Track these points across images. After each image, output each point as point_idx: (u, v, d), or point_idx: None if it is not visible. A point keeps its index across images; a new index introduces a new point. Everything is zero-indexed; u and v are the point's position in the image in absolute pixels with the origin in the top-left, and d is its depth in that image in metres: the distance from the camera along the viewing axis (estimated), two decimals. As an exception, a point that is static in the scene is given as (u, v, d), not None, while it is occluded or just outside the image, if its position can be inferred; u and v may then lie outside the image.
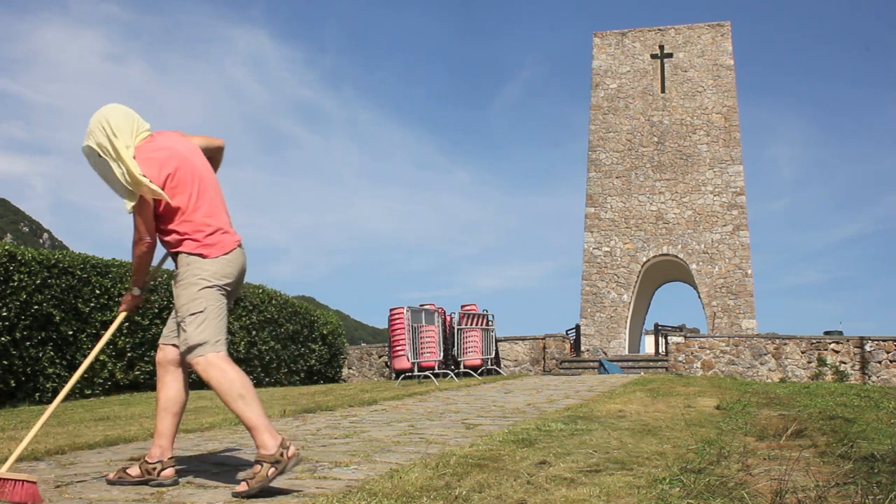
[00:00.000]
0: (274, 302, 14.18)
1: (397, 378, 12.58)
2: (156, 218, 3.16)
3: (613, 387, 9.02)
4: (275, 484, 3.01)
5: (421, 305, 13.15)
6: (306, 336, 15.19)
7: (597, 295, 23.96)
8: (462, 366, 13.29)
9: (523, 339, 19.31)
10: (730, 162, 23.93)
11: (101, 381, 9.80)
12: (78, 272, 9.56)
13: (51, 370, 9.05)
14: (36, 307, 8.84)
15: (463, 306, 14.20)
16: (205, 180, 3.29)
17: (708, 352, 17.05)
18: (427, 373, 11.90)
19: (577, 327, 23.78)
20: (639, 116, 25.02)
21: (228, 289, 3.24)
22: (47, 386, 9.00)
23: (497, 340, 15.16)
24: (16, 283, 8.60)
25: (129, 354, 10.21)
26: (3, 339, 8.38)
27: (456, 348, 13.53)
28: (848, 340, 16.50)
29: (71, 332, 9.36)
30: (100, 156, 3.17)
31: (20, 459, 3.95)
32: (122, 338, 10.07)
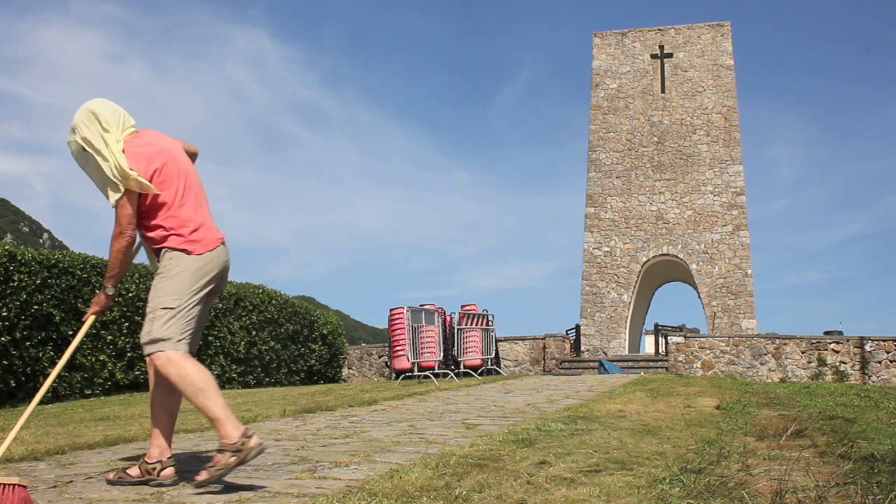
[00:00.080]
0: (274, 302, 14.18)
1: (397, 378, 12.58)
2: (140, 213, 3.17)
3: (613, 387, 9.02)
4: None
5: (421, 305, 13.15)
6: (306, 336, 15.19)
7: (597, 295, 23.97)
8: (462, 366, 13.29)
9: (523, 339, 19.31)
10: (730, 162, 23.94)
11: (101, 381, 9.80)
12: (78, 272, 9.56)
13: (51, 370, 9.05)
14: (36, 307, 8.84)
15: (463, 306, 14.20)
16: (190, 177, 3.32)
17: (708, 352, 17.06)
18: (427, 373, 11.90)
19: (577, 327, 23.79)
20: (639, 116, 25.03)
21: (211, 285, 3.25)
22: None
23: (497, 340, 15.16)
24: (16, 283, 8.60)
25: (129, 354, 10.21)
26: (3, 339, 8.38)
27: (456, 348, 13.53)
28: (848, 340, 16.51)
29: (71, 332, 9.35)
30: (84, 150, 3.19)
31: (20, 460, 3.95)
32: (122, 338, 10.07)
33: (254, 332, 13.31)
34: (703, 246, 23.45)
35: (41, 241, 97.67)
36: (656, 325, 23.27)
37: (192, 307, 3.16)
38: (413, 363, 12.00)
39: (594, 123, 25.37)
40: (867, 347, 16.13)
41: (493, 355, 14.09)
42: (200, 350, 11.98)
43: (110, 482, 3.20)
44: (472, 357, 13.44)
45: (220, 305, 12.58)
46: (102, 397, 9.58)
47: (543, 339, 19.30)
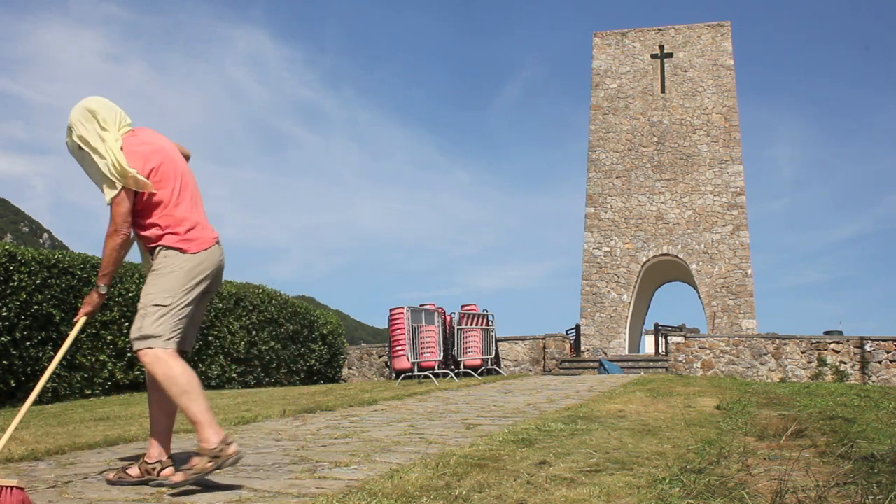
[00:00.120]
0: (274, 302, 14.18)
1: (397, 378, 12.58)
2: (135, 212, 3.17)
3: (613, 387, 9.02)
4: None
5: (421, 305, 13.15)
6: (306, 336, 15.19)
7: (597, 295, 23.96)
8: (462, 366, 13.29)
9: (523, 339, 19.31)
10: (730, 162, 23.94)
11: (101, 381, 9.80)
12: (78, 272, 9.56)
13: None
14: (36, 307, 8.84)
15: (463, 306, 14.20)
16: (186, 177, 3.34)
17: (708, 352, 17.05)
18: (427, 373, 11.90)
19: (577, 327, 23.78)
20: (639, 116, 25.03)
21: (206, 284, 3.26)
22: (47, 386, 9.00)
23: (497, 340, 15.16)
24: (16, 283, 8.60)
25: (129, 354, 10.20)
26: (3, 339, 8.38)
27: (456, 348, 13.53)
28: (848, 340, 16.50)
29: (71, 332, 9.36)
30: (80, 148, 3.19)
31: (20, 460, 3.95)
32: (122, 338, 10.06)
33: (254, 332, 13.31)
34: (703, 246, 23.45)
35: (41, 241, 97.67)
36: (656, 325, 23.27)
37: (185, 306, 3.16)
38: (413, 363, 12.00)
39: (594, 123, 25.36)
40: (867, 347, 16.13)
41: (493, 355, 14.09)
42: (200, 350, 11.98)
43: (110, 482, 3.20)
44: (472, 357, 13.43)
45: (220, 305, 12.58)
46: (102, 397, 9.58)
47: (543, 339, 19.30)
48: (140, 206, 3.18)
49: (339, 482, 3.09)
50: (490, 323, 14.00)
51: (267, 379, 13.70)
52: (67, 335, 9.14)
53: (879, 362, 15.99)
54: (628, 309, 23.72)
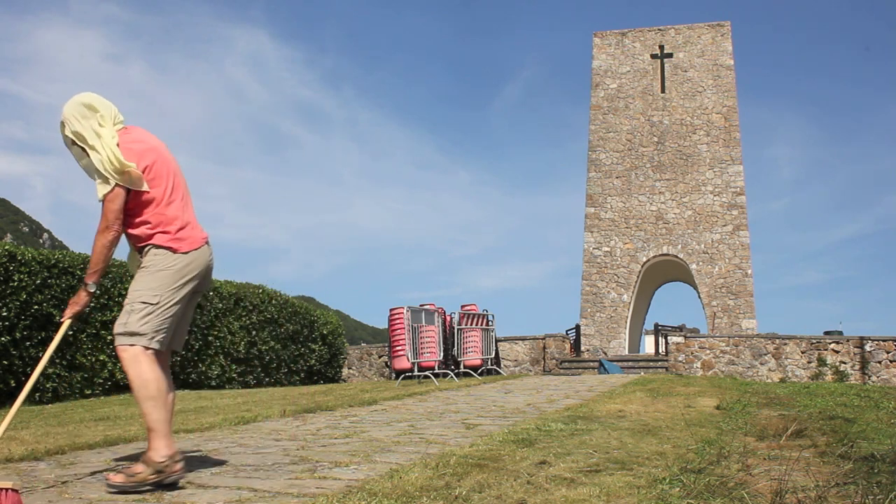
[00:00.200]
0: (274, 302, 14.18)
1: (397, 378, 12.58)
2: (126, 210, 3.17)
3: (613, 387, 9.02)
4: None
5: (421, 305, 13.14)
6: (306, 336, 15.19)
7: (597, 295, 23.96)
8: (462, 366, 13.29)
9: (523, 339, 19.31)
10: (730, 162, 23.93)
11: (101, 381, 9.80)
12: (78, 272, 9.56)
13: (51, 370, 9.05)
14: (36, 307, 8.84)
15: (463, 306, 14.19)
16: (177, 176, 3.35)
17: (708, 352, 17.05)
18: (427, 373, 11.90)
19: (577, 327, 23.78)
20: (639, 116, 25.03)
21: (194, 283, 3.26)
22: (47, 386, 9.01)
23: (497, 340, 15.16)
24: (16, 283, 8.60)
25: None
26: (3, 339, 8.38)
27: (456, 348, 13.53)
28: (848, 340, 16.50)
29: (71, 333, 9.35)
30: (74, 143, 3.19)
31: (20, 460, 3.95)
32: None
33: (254, 332, 13.31)
34: (703, 246, 23.45)
35: (41, 241, 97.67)
36: (656, 325, 23.26)
37: (172, 305, 3.16)
38: (413, 363, 12.00)
39: (594, 123, 25.36)
40: (867, 347, 16.12)
41: (493, 355, 14.09)
42: (200, 350, 11.97)
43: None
44: (472, 357, 13.43)
45: (220, 305, 12.58)
46: (102, 397, 9.58)
47: (543, 339, 19.30)
48: (132, 204, 3.17)
49: (339, 482, 3.09)
50: (490, 323, 14.00)
51: (267, 379, 13.70)
52: (67, 335, 9.16)
53: (879, 362, 15.99)
54: (628, 309, 23.72)
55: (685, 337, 17.78)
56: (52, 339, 9.05)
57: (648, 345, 28.16)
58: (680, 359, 17.07)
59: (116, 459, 3.93)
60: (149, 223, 3.20)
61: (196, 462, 3.75)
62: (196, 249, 3.26)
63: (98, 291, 9.83)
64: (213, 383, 12.10)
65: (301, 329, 14.98)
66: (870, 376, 15.85)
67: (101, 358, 9.78)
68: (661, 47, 25.39)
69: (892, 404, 6.64)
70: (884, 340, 16.13)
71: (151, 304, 3.10)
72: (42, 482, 3.26)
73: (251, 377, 13.21)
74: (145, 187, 3.16)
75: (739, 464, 3.31)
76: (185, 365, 11.68)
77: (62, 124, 3.21)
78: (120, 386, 10.09)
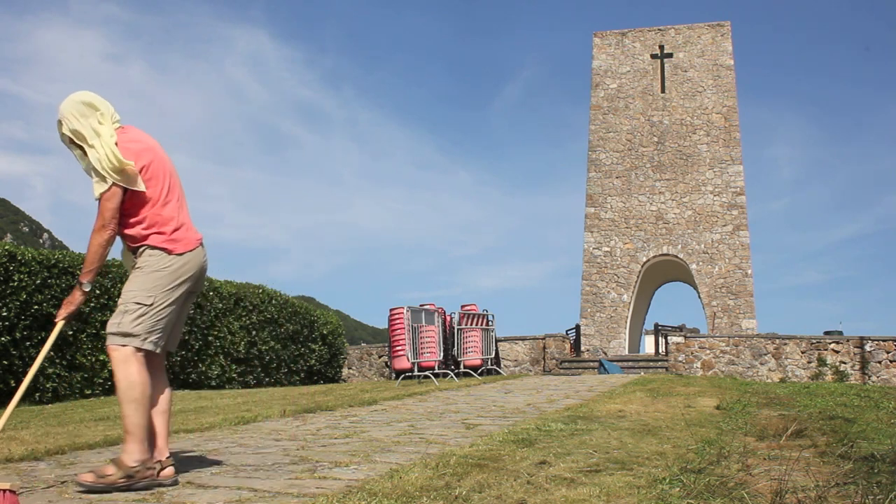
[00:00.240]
0: (274, 302, 14.18)
1: (397, 378, 12.58)
2: (122, 210, 3.15)
3: (613, 387, 9.02)
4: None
5: (421, 305, 13.14)
6: (306, 336, 15.19)
7: (597, 295, 23.96)
8: (462, 366, 13.29)
9: (523, 339, 19.31)
10: (730, 162, 23.94)
11: (101, 381, 9.80)
12: (78, 272, 9.56)
13: (51, 370, 9.05)
14: (36, 307, 8.84)
15: (463, 306, 14.20)
16: (174, 177, 3.35)
17: (708, 352, 17.05)
18: (427, 373, 11.90)
19: (577, 327, 23.78)
20: (639, 116, 25.03)
21: (188, 285, 3.26)
22: (47, 386, 9.01)
23: (497, 340, 15.16)
24: (16, 283, 8.61)
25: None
26: (3, 339, 8.38)
27: (456, 348, 13.53)
28: (848, 340, 16.50)
29: (71, 332, 9.36)
30: (72, 141, 3.19)
31: (20, 460, 3.95)
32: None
33: (254, 332, 13.31)
34: (703, 246, 23.45)
35: (41, 241, 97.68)
36: (656, 325, 23.26)
37: (166, 306, 3.16)
38: (413, 363, 12.00)
39: (594, 123, 25.36)
40: (867, 347, 16.12)
41: (493, 355, 14.09)
42: (200, 350, 11.97)
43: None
44: (472, 357, 13.43)
45: (220, 305, 12.57)
46: (102, 397, 9.58)
47: (543, 339, 19.30)
48: (128, 204, 3.16)
49: (339, 482, 3.09)
50: (490, 323, 14.00)
51: (267, 379, 13.70)
52: (67, 335, 9.17)
53: (879, 362, 15.99)
54: (628, 309, 23.72)
55: (685, 337, 17.79)
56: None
57: (648, 345, 28.15)
58: (680, 359, 17.07)
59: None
60: (144, 223, 3.19)
61: (196, 462, 3.75)
62: (191, 251, 3.26)
63: (95, 291, 9.82)
64: (213, 383, 12.10)
65: (301, 329, 14.98)
66: (870, 376, 15.85)
67: (101, 358, 9.77)
68: (661, 47, 25.39)
69: (892, 404, 6.64)
70: (884, 340, 16.13)
71: (146, 306, 3.10)
72: (42, 482, 3.26)
73: (251, 377, 13.20)
74: (142, 187, 3.16)
75: (739, 464, 3.31)
76: (185, 365, 11.68)
77: (59, 123, 3.20)
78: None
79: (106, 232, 3.10)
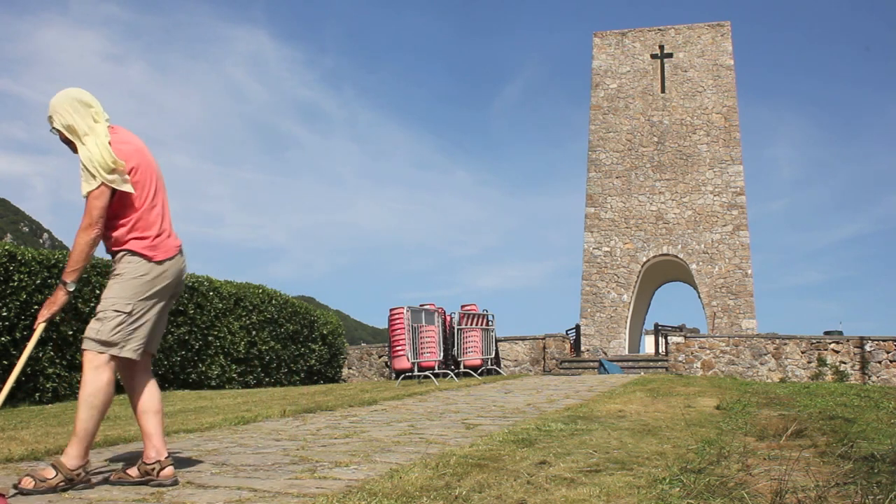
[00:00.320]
0: (274, 302, 14.18)
1: (397, 378, 12.58)
2: (107, 212, 3.13)
3: (613, 387, 9.02)
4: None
5: (421, 305, 13.14)
6: (306, 336, 15.19)
7: (597, 295, 23.96)
8: (462, 366, 13.29)
9: (523, 339, 19.31)
10: (730, 162, 23.93)
11: (101, 381, 9.79)
12: (78, 272, 9.56)
13: (51, 370, 9.04)
14: (36, 307, 8.83)
15: (463, 306, 14.20)
16: (160, 181, 3.33)
17: (708, 352, 17.05)
18: (427, 373, 11.90)
19: (577, 327, 23.78)
20: (639, 116, 25.02)
21: (167, 291, 3.26)
22: (47, 386, 9.00)
23: (497, 340, 15.16)
24: (16, 283, 8.60)
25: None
26: (3, 339, 8.38)
27: (456, 348, 13.53)
28: (848, 340, 16.50)
29: (71, 332, 9.35)
30: (63, 137, 3.17)
31: (20, 459, 3.95)
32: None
33: (254, 332, 13.31)
34: (703, 246, 23.45)
35: (41, 241, 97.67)
36: (656, 325, 23.26)
37: (145, 313, 3.16)
38: (413, 363, 12.00)
39: (594, 123, 25.36)
40: (867, 347, 16.12)
41: (493, 355, 14.09)
42: (200, 350, 11.97)
43: (111, 482, 3.20)
44: (472, 357, 13.43)
45: (220, 305, 12.57)
46: (102, 397, 9.56)
47: (543, 339, 19.30)
48: (115, 206, 3.14)
49: (339, 482, 3.09)
50: (490, 323, 14.00)
51: (267, 379, 13.70)
52: (67, 335, 9.17)
53: (879, 362, 15.99)
54: (628, 309, 23.71)
55: (685, 337, 17.78)
56: (51, 338, 9.06)
57: (648, 345, 28.15)
58: (680, 359, 17.07)
59: (115, 459, 3.93)
60: (127, 226, 3.17)
61: (196, 462, 3.75)
62: (170, 258, 3.25)
63: (95, 291, 9.82)
64: (213, 383, 12.10)
65: (301, 329, 14.98)
66: (870, 376, 15.85)
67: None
68: (661, 47, 25.39)
69: (892, 404, 6.64)
70: (884, 340, 16.13)
71: (125, 314, 3.09)
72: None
73: (251, 377, 13.20)
74: (130, 189, 3.14)
75: (739, 464, 3.31)
76: (185, 365, 11.68)
77: (50, 118, 3.17)
78: (119, 386, 10.07)
79: (93, 231, 3.07)
